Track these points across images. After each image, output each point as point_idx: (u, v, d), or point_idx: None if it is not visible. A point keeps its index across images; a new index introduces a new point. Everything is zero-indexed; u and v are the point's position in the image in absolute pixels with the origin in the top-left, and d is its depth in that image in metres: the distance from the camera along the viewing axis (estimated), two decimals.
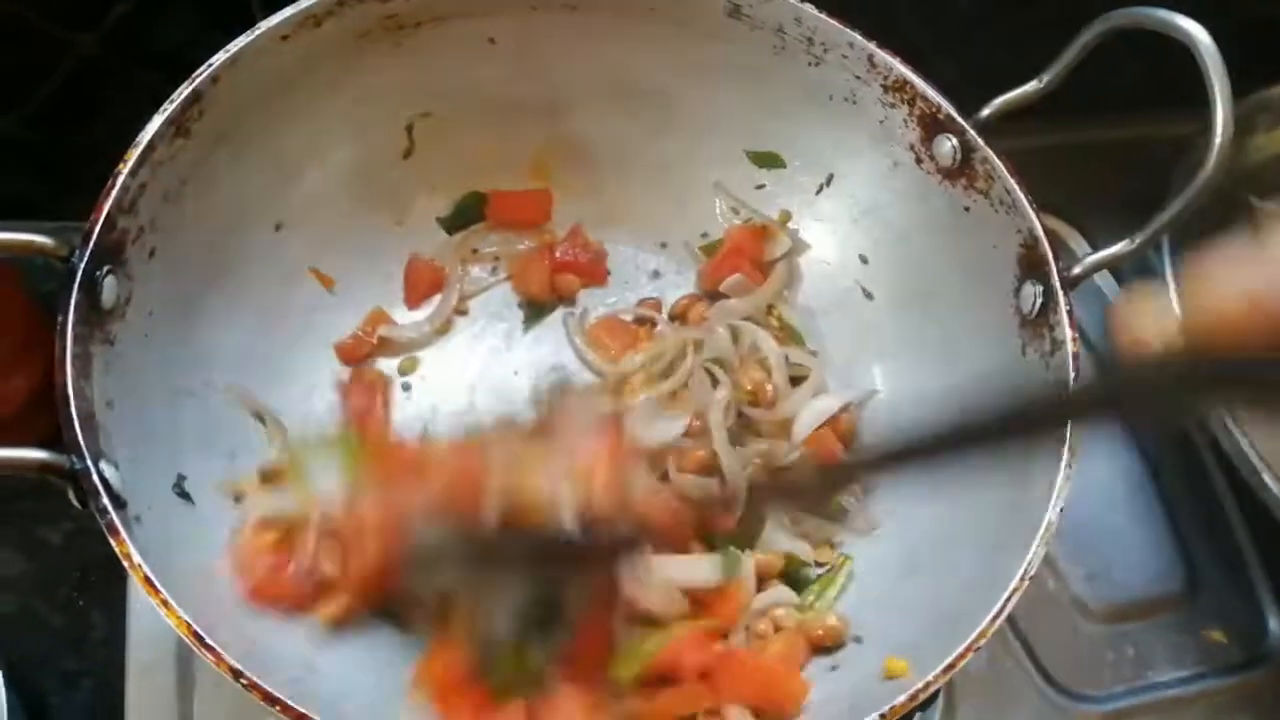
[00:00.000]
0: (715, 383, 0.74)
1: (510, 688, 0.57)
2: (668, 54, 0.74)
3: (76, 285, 0.55)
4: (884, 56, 0.70)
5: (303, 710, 0.49)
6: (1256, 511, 0.76)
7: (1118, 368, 0.56)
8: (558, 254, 0.79)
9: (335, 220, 0.75)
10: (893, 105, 0.71)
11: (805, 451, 0.72)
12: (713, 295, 0.80)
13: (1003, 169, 0.67)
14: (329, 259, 0.75)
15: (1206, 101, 0.59)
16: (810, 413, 0.73)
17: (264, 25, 0.64)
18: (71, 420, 0.52)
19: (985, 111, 0.68)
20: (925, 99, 0.69)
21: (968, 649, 0.54)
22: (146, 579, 0.50)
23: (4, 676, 0.64)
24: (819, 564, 0.70)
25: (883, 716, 0.53)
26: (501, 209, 0.80)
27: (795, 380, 0.75)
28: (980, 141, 0.68)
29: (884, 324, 0.78)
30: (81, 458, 0.51)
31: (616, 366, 0.76)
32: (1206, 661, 0.80)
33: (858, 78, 0.71)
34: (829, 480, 0.66)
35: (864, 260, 0.79)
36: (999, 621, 0.55)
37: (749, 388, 0.74)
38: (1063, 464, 0.59)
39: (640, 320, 0.79)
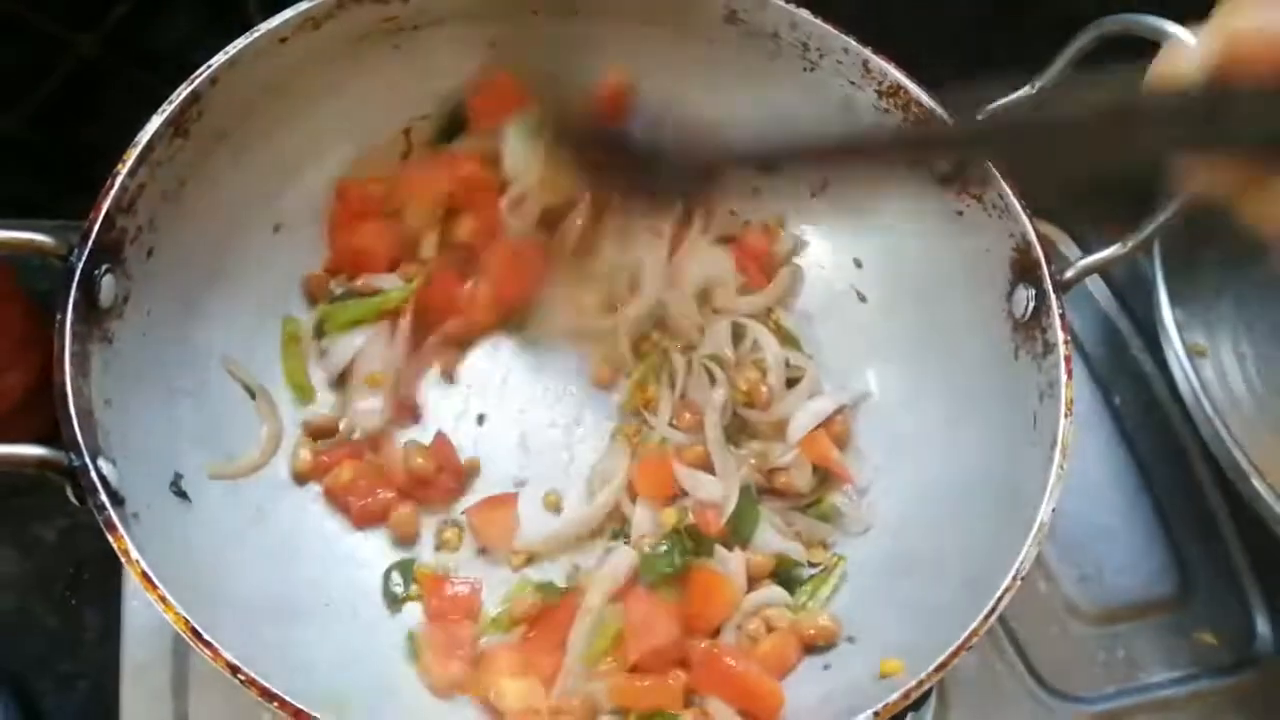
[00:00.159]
0: (713, 380, 0.74)
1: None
2: (665, 58, 0.74)
3: (75, 284, 0.55)
4: (879, 62, 0.70)
5: (300, 706, 0.49)
6: (1247, 517, 0.76)
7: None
8: None
9: None
10: (887, 110, 0.71)
11: (799, 453, 0.72)
12: None
13: (995, 173, 0.67)
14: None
15: None
16: (805, 414, 0.73)
17: (263, 27, 0.64)
18: (70, 417, 0.52)
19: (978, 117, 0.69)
20: (919, 104, 0.70)
21: (960, 647, 0.55)
22: (144, 575, 0.50)
23: None
24: (812, 564, 0.71)
25: (876, 714, 0.53)
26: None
27: (790, 382, 0.76)
28: None
29: (878, 327, 0.78)
30: (80, 455, 0.51)
31: None
32: (1197, 663, 0.80)
33: (852, 83, 0.72)
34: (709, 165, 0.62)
35: (858, 264, 0.80)
36: (991, 620, 0.56)
37: (744, 388, 0.74)
38: (1054, 464, 0.60)
39: None
